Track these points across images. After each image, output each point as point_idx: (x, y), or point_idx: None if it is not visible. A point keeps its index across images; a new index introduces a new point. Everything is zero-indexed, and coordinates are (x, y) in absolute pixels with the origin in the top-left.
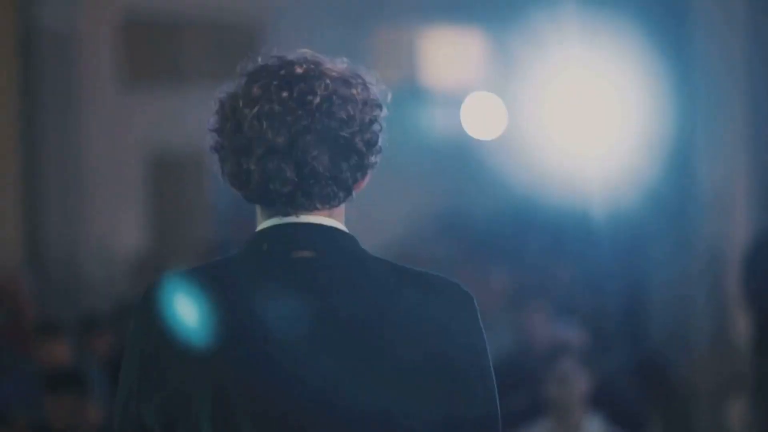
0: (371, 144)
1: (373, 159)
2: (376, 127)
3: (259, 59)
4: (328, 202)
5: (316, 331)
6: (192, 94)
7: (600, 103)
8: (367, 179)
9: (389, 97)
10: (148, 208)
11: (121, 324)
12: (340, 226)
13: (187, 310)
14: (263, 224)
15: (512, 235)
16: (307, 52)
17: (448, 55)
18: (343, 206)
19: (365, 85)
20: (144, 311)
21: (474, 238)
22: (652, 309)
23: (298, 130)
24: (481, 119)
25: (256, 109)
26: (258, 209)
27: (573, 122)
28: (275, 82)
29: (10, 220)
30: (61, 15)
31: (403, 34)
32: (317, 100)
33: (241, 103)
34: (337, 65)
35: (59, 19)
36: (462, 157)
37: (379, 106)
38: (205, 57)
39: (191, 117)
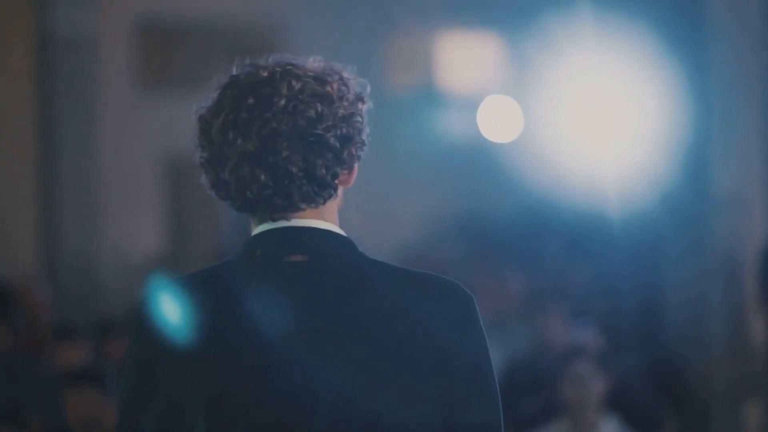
0: (348, 138)
1: (353, 152)
2: (355, 120)
3: (234, 69)
4: (311, 200)
5: (311, 335)
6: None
7: (615, 105)
8: (353, 175)
9: (368, 89)
10: (164, 213)
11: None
12: (334, 228)
13: (180, 319)
14: (256, 229)
15: (529, 237)
16: (282, 56)
17: (464, 58)
18: (332, 205)
19: (342, 81)
20: (138, 321)
21: (491, 240)
22: (668, 310)
23: (267, 134)
24: (497, 122)
25: (222, 119)
26: (252, 218)
27: (589, 125)
28: (240, 90)
29: (27, 225)
30: (78, 20)
31: (419, 38)
32: (282, 101)
33: (211, 115)
34: (311, 64)
35: (76, 24)
36: (479, 160)
37: (360, 100)
38: (221, 62)
39: None
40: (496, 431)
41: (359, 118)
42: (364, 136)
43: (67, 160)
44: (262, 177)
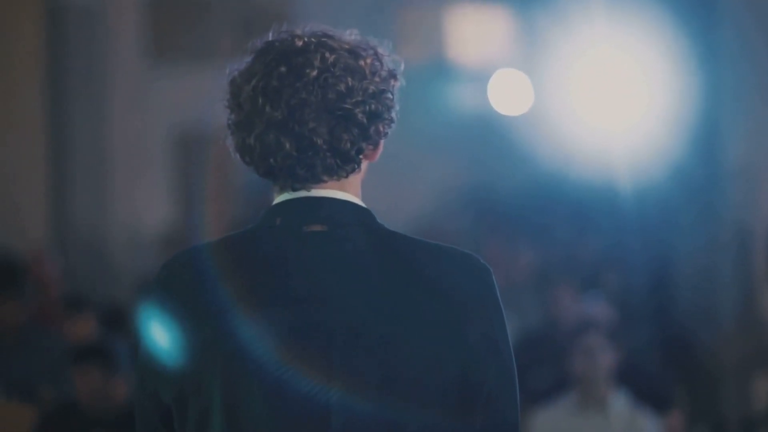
0: (376, 115)
1: (380, 129)
2: (385, 97)
3: (270, 35)
4: (333, 173)
5: (328, 304)
6: (219, 70)
7: (626, 78)
8: (378, 150)
9: (402, 67)
10: (173, 186)
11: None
12: (353, 199)
13: (197, 287)
14: (277, 198)
15: (539, 210)
16: (319, 26)
17: (475, 32)
18: (355, 178)
19: (376, 56)
20: (155, 290)
21: (501, 214)
22: (679, 284)
23: (295, 104)
24: (507, 96)
25: (254, 85)
26: (273, 186)
27: (599, 98)
28: (274, 58)
29: (37, 198)
30: None
31: (430, 12)
32: (314, 72)
33: (243, 80)
34: (347, 37)
35: None
36: (489, 133)
37: (393, 77)
38: (232, 33)
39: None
40: (512, 402)
41: (390, 96)
42: (393, 114)
43: (76, 133)
44: (287, 146)
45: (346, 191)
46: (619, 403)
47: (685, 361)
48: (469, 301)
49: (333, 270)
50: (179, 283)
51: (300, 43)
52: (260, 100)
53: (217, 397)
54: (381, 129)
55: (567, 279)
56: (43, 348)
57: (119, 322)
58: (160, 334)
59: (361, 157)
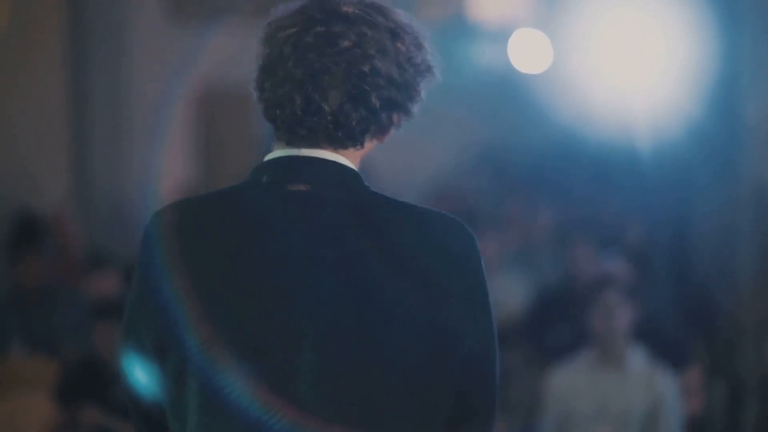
0: (392, 103)
1: (393, 118)
2: (409, 89)
3: None
4: (333, 143)
5: (304, 263)
6: (239, 27)
7: (645, 37)
8: (385, 136)
9: (439, 65)
10: (195, 142)
11: None
12: (342, 160)
13: (181, 240)
14: (269, 155)
15: (558, 169)
16: None
17: None
18: (354, 151)
19: (417, 45)
20: (144, 240)
21: (520, 172)
22: (697, 242)
23: (318, 68)
24: (527, 54)
25: (287, 34)
26: (274, 136)
27: (619, 56)
28: (316, 16)
29: (58, 157)
30: None
31: None
32: (346, 44)
33: (280, 26)
34: (396, 15)
35: None
36: (509, 92)
37: (428, 70)
38: None
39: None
40: (489, 372)
41: (417, 89)
42: (412, 108)
43: (97, 91)
44: (297, 102)
45: (339, 155)
46: (637, 360)
47: (703, 318)
48: (448, 267)
49: (311, 230)
50: (165, 233)
51: (346, 10)
52: (286, 52)
53: (193, 354)
54: (394, 118)
55: (585, 238)
56: (65, 304)
57: None
58: (142, 283)
59: (365, 137)
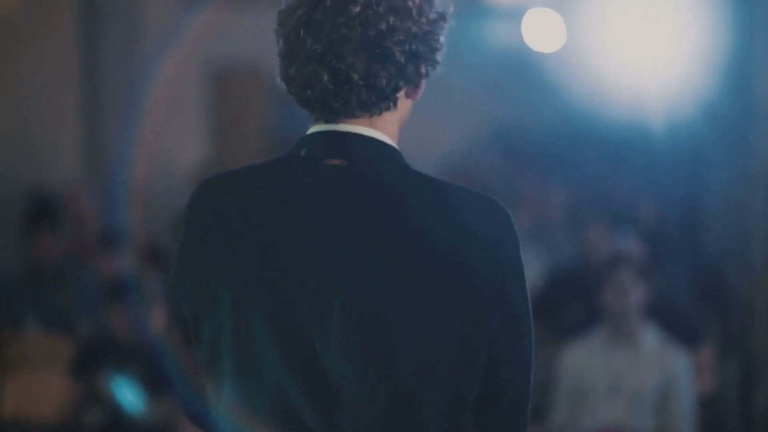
0: (417, 55)
1: (420, 69)
2: (429, 38)
3: None
4: (367, 109)
5: (339, 235)
6: (251, 6)
7: (658, 15)
8: (418, 91)
9: (451, 8)
10: (208, 121)
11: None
12: (381, 136)
13: (220, 212)
14: (309, 129)
15: (571, 147)
16: None
17: None
18: (391, 117)
19: None
20: (186, 209)
21: (533, 151)
22: (711, 220)
23: (336, 39)
24: (541, 33)
25: (297, 16)
26: (311, 116)
27: (632, 35)
28: None
29: (73, 133)
30: None
31: None
32: (357, 9)
33: (289, 10)
34: None
35: None
36: (522, 71)
37: (442, 18)
38: None
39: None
40: (522, 352)
41: (436, 38)
42: (437, 56)
43: (111, 68)
44: (324, 78)
45: (378, 129)
46: (650, 337)
47: (716, 296)
48: (484, 245)
49: (345, 204)
50: (205, 203)
51: None
52: (302, 32)
53: (228, 323)
54: (422, 69)
55: (598, 216)
56: (79, 282)
57: (154, 258)
58: (185, 252)
59: (398, 95)
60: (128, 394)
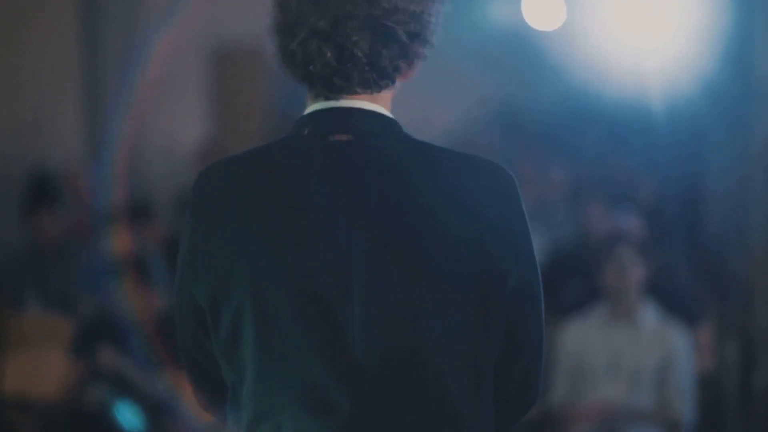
0: (417, 35)
1: (418, 50)
2: (425, 19)
3: None
4: (368, 87)
5: (351, 212)
6: None
7: None
8: (413, 69)
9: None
10: (209, 100)
11: (182, 214)
12: (381, 110)
13: (229, 197)
14: (308, 109)
15: (571, 126)
16: None
17: None
18: (387, 93)
19: None
20: (192, 199)
21: (533, 129)
22: (710, 199)
23: (340, 15)
24: (541, 12)
25: None
26: (308, 94)
27: (632, 14)
28: None
29: (73, 112)
30: None
31: None
32: None
33: None
34: None
35: None
36: (522, 48)
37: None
38: None
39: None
40: (535, 312)
41: (431, 18)
42: (431, 37)
43: (112, 47)
44: (328, 55)
45: (377, 104)
46: (649, 316)
47: (716, 275)
48: (492, 211)
49: (355, 177)
50: (212, 191)
51: None
52: (307, 8)
53: (247, 306)
54: (420, 50)
55: (598, 194)
56: (80, 260)
57: (156, 238)
58: (195, 241)
59: (396, 74)
60: (128, 416)
